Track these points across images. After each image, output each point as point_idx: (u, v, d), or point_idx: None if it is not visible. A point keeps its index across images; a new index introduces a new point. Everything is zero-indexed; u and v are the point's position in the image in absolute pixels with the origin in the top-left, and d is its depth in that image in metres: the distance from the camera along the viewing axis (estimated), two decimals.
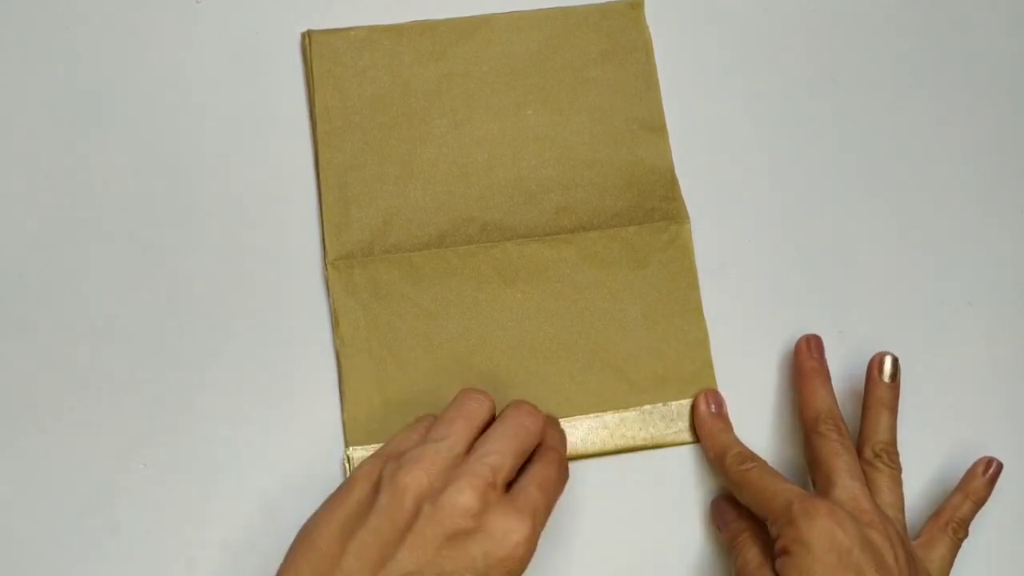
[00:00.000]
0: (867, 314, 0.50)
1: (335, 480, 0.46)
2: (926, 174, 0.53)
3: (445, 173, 0.50)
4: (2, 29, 0.50)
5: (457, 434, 0.39)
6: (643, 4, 0.53)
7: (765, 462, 0.45)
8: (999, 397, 0.50)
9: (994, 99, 0.54)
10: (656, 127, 0.51)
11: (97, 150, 0.49)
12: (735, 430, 0.47)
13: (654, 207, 0.50)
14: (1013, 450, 0.49)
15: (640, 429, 0.48)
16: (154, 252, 0.48)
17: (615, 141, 0.51)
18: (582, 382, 0.48)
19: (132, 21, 0.51)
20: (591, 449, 0.47)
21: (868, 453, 0.45)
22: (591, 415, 0.48)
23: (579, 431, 0.47)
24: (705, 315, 0.49)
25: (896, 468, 0.45)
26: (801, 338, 0.48)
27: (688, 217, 0.50)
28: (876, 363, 0.47)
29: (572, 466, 0.43)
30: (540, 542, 0.38)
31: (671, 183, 0.51)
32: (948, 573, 0.44)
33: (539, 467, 0.40)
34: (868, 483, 0.44)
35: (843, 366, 0.49)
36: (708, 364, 0.49)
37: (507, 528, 0.37)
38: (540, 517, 0.38)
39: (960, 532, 0.45)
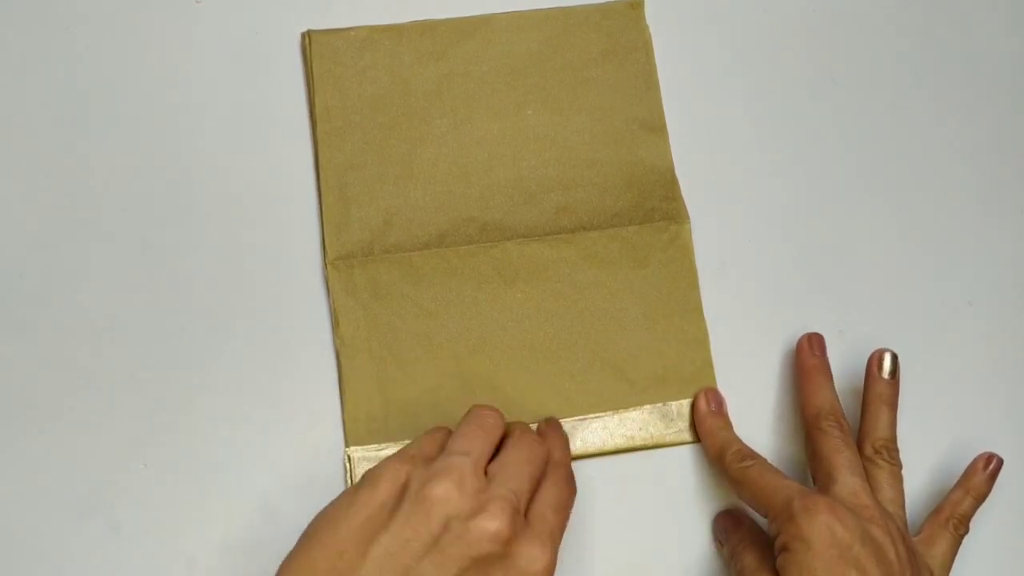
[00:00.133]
0: (867, 314, 0.50)
1: (335, 480, 0.46)
2: (926, 174, 0.53)
3: (445, 173, 0.50)
4: (2, 29, 0.50)
5: (479, 450, 0.39)
6: (643, 4, 0.53)
7: (765, 459, 0.45)
8: (999, 397, 0.50)
9: (994, 99, 0.54)
10: (656, 127, 0.51)
11: (97, 150, 0.49)
12: (735, 430, 0.47)
13: (654, 207, 0.50)
14: (1013, 449, 0.49)
15: (640, 429, 0.48)
16: (154, 252, 0.48)
17: (615, 141, 0.51)
18: (582, 382, 0.48)
19: (132, 21, 0.51)
20: (591, 449, 0.47)
21: (868, 450, 0.45)
22: (591, 415, 0.48)
23: (579, 431, 0.47)
24: (705, 315, 0.49)
25: (896, 464, 0.45)
26: (803, 336, 0.48)
27: (688, 217, 0.50)
28: (875, 360, 0.47)
29: (572, 466, 0.43)
30: None
31: (671, 183, 0.51)
32: (949, 569, 0.44)
33: (552, 489, 0.40)
34: (868, 479, 0.44)
35: (843, 366, 0.49)
36: (708, 364, 0.49)
37: (531, 555, 0.37)
38: (557, 540, 0.39)
39: (961, 528, 0.45)
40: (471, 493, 0.37)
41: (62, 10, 0.51)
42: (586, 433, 0.47)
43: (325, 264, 0.48)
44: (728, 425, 0.47)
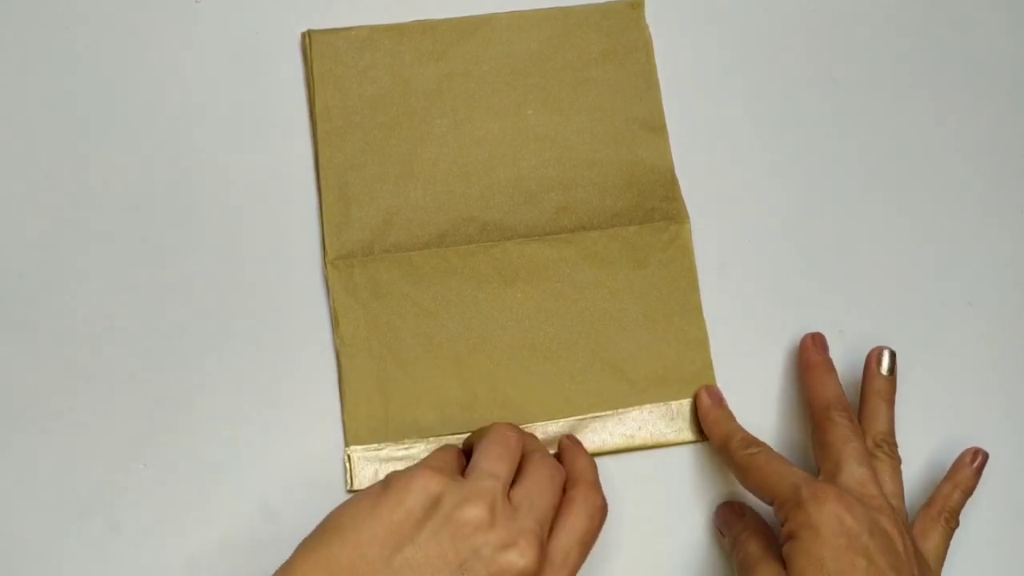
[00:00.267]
0: (867, 313, 0.50)
1: (335, 480, 0.46)
2: (926, 174, 0.53)
3: (445, 173, 0.50)
4: (2, 29, 0.50)
5: (506, 473, 0.40)
6: (643, 4, 0.53)
7: (770, 447, 0.45)
8: (999, 397, 0.50)
9: (994, 99, 0.54)
10: (656, 127, 0.51)
11: (97, 150, 0.49)
12: None
13: (654, 207, 0.50)
14: (1013, 449, 0.49)
15: (640, 428, 0.48)
16: (154, 252, 0.48)
17: (615, 141, 0.51)
18: (582, 382, 0.48)
19: (132, 21, 0.51)
20: (591, 449, 0.47)
21: (868, 443, 0.45)
22: (591, 415, 0.48)
23: (579, 431, 0.47)
24: (705, 315, 0.49)
25: (896, 459, 0.45)
26: (806, 335, 0.48)
27: (688, 217, 0.50)
28: (874, 357, 0.47)
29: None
30: None
31: (671, 183, 0.51)
32: (942, 562, 0.45)
33: (582, 519, 0.40)
34: None
35: (843, 365, 0.49)
36: (708, 364, 0.49)
37: None
38: (575, 573, 0.39)
39: (952, 521, 0.45)
40: (502, 522, 0.37)
41: (62, 10, 0.51)
42: (586, 433, 0.47)
43: (325, 264, 0.48)
44: (732, 416, 0.47)
